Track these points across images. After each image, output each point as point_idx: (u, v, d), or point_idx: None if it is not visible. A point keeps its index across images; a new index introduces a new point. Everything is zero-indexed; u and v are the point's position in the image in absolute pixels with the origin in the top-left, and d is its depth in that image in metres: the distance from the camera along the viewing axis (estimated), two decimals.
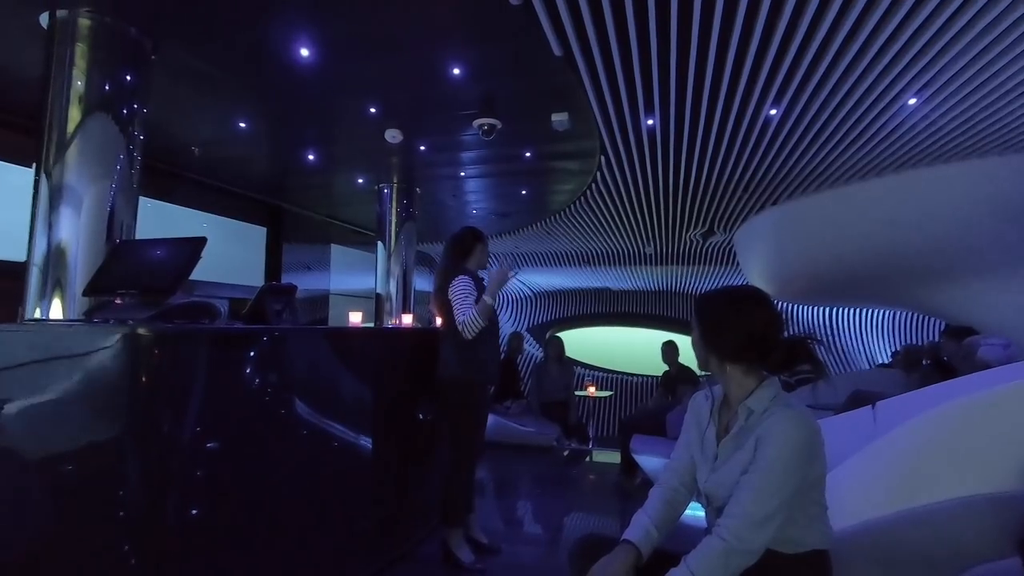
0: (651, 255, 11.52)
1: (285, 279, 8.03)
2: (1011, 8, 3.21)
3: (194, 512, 1.65)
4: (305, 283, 8.66)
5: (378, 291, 7.41)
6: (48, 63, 3.37)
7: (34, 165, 3.38)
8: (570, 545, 1.54)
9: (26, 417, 1.70)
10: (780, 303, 11.52)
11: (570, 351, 6.89)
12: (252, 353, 1.91)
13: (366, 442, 2.53)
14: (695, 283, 14.70)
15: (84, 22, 3.34)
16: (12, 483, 1.72)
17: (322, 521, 2.20)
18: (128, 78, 3.54)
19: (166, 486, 1.59)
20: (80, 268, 3.29)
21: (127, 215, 3.53)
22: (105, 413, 1.60)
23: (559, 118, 4.75)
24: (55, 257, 3.28)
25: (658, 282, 15.14)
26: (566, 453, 5.62)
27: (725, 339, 1.38)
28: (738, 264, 11.06)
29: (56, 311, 3.25)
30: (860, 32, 3.50)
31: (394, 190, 7.27)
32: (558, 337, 6.49)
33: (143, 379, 1.59)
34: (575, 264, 12.77)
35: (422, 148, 5.89)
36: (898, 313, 12.69)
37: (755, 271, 10.07)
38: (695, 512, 1.49)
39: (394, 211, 7.29)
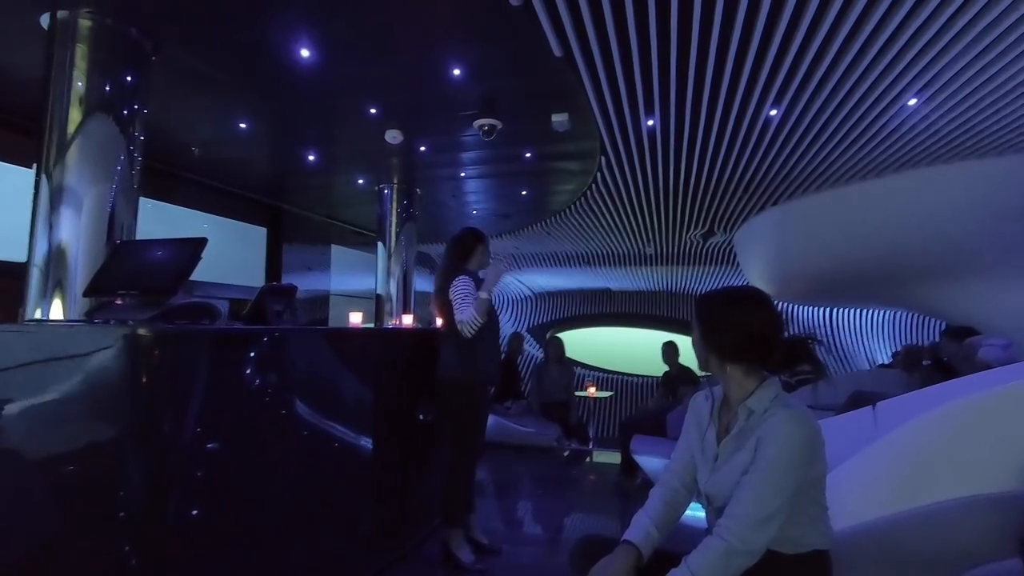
0: (651, 255, 11.52)
1: (285, 280, 8.03)
2: (1011, 8, 3.21)
3: (194, 512, 1.65)
4: (305, 284, 8.66)
5: (378, 292, 7.41)
6: (48, 64, 3.37)
7: (34, 166, 3.39)
8: (570, 546, 1.54)
9: (27, 418, 1.70)
10: (780, 303, 11.53)
11: (570, 351, 6.89)
12: (252, 354, 1.91)
13: (366, 442, 2.53)
14: (695, 283, 14.71)
15: (84, 23, 3.34)
16: (13, 483, 1.72)
17: (322, 521, 2.20)
18: (128, 79, 3.55)
19: (167, 486, 1.59)
20: (80, 269, 3.29)
21: (127, 216, 3.53)
22: (106, 414, 1.60)
23: (559, 118, 4.76)
24: (56, 258, 3.28)
25: (658, 282, 15.14)
26: (566, 454, 5.61)
27: (725, 339, 1.38)
28: (738, 264, 11.07)
29: (56, 312, 3.26)
30: (860, 32, 3.50)
31: (394, 191, 7.27)
32: (558, 337, 6.49)
33: (144, 380, 1.59)
34: (575, 264, 12.78)
35: (422, 149, 5.89)
36: (898, 313, 12.70)
37: (755, 271, 10.07)
38: (695, 512, 1.49)
39: (394, 212, 7.29)
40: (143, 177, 3.69)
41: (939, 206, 6.25)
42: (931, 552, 1.51)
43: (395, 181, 7.18)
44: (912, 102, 4.44)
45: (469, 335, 2.64)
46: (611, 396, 12.20)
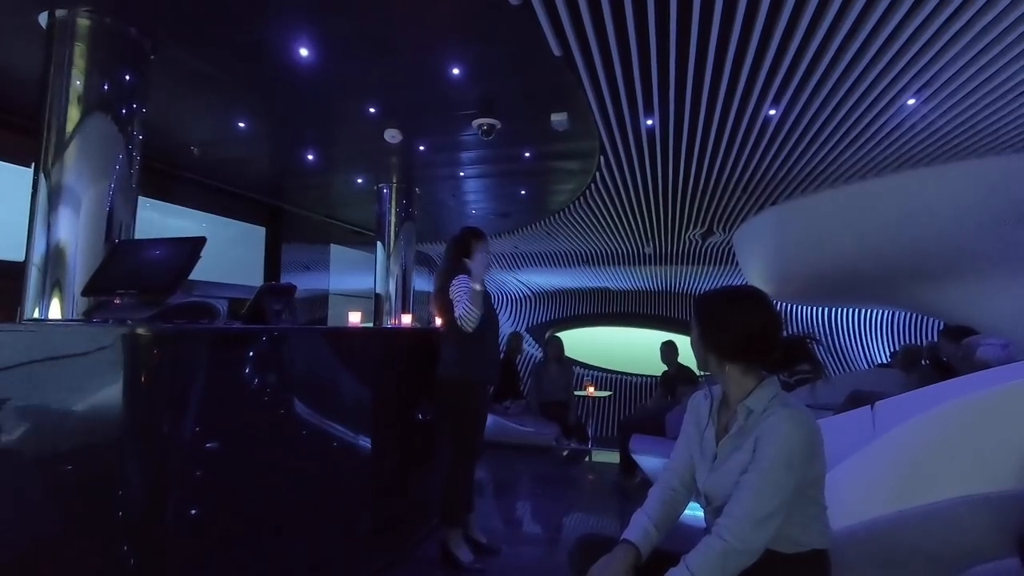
0: (650, 255, 11.52)
1: (284, 279, 8.02)
2: (1011, 8, 3.21)
3: (193, 512, 1.65)
4: (304, 283, 8.66)
5: (377, 291, 7.41)
6: (47, 63, 3.36)
7: (33, 165, 3.38)
8: (569, 545, 1.54)
9: (25, 417, 1.70)
10: (779, 303, 11.52)
11: (569, 351, 6.89)
12: (251, 353, 1.91)
13: (365, 442, 2.53)
14: (694, 283, 14.70)
15: (83, 22, 3.34)
16: (12, 483, 1.72)
17: (321, 521, 2.20)
18: (127, 78, 3.54)
19: (165, 486, 1.59)
20: (79, 268, 3.29)
21: (126, 215, 3.53)
22: (104, 413, 1.60)
23: (558, 118, 4.75)
24: (54, 257, 3.27)
25: (657, 282, 15.14)
26: (565, 453, 5.61)
27: (724, 339, 1.38)
28: (737, 264, 11.06)
29: (55, 311, 3.25)
30: (859, 32, 3.51)
31: (393, 190, 7.27)
32: (557, 337, 6.49)
33: (142, 379, 1.59)
34: (575, 264, 12.77)
35: (421, 148, 5.89)
36: (897, 313, 12.70)
37: (754, 271, 10.07)
38: (694, 512, 1.49)
39: (393, 211, 7.29)
40: (142, 176, 3.68)
41: (938, 206, 6.25)
42: (930, 551, 1.51)
43: (394, 181, 7.17)
44: (911, 102, 4.44)
45: (470, 329, 2.64)
46: (610, 396, 12.20)
